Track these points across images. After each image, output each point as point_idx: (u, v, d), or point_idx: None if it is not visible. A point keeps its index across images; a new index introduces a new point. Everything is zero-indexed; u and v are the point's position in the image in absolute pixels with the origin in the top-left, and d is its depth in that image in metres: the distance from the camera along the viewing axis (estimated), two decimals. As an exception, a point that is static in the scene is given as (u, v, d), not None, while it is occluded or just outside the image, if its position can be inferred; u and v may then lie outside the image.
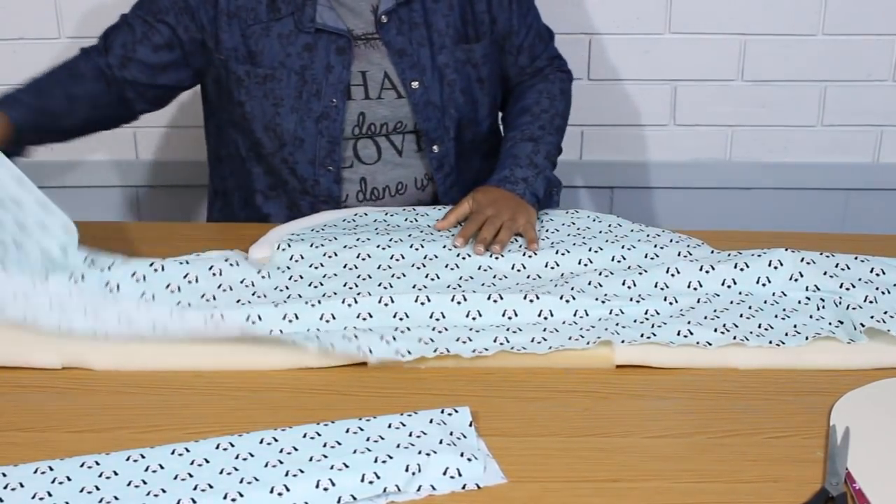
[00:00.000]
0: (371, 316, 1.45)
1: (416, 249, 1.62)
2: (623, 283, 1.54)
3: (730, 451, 1.21)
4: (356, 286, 1.53)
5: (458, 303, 1.47)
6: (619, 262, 1.62)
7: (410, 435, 1.20)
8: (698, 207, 2.46)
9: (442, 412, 1.24)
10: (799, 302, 1.52)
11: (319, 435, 1.20)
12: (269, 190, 1.88)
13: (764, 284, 1.55)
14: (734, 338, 1.41)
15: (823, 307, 1.50)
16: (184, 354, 1.39)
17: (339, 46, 1.76)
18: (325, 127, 1.78)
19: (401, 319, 1.45)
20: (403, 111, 1.83)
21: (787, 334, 1.43)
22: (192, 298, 1.48)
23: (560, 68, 2.00)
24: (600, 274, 1.56)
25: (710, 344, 1.40)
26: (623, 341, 1.39)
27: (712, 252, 1.64)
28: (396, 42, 1.79)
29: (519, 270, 1.60)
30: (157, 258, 1.53)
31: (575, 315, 1.47)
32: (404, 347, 1.38)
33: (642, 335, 1.41)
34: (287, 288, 1.53)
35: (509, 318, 1.47)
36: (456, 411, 1.25)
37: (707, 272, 1.56)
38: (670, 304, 1.50)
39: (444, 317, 1.46)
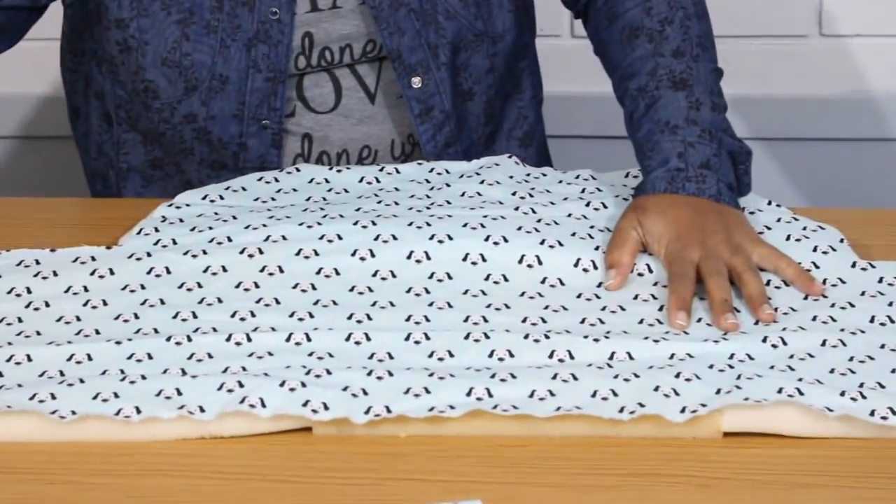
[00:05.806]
0: (271, 355, 1.01)
1: (364, 227, 1.16)
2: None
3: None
4: (259, 294, 1.09)
5: (417, 342, 1.03)
6: None
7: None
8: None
9: (439, 512, 0.88)
10: None
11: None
12: (150, 169, 1.39)
13: (883, 324, 1.08)
14: (872, 412, 0.93)
15: None
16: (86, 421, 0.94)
17: None
18: (261, 55, 1.30)
19: (320, 359, 1.01)
20: (371, 24, 1.34)
21: None
22: None
23: None
24: (655, 283, 1.12)
25: (830, 410, 0.93)
26: (684, 409, 0.93)
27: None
28: None
29: (530, 266, 1.14)
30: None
31: (611, 358, 1.01)
32: (318, 399, 0.94)
33: (719, 391, 0.95)
34: (143, 288, 1.10)
35: (499, 359, 1.01)
36: (461, 510, 0.89)
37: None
38: (773, 346, 1.03)
39: (390, 357, 1.01)
